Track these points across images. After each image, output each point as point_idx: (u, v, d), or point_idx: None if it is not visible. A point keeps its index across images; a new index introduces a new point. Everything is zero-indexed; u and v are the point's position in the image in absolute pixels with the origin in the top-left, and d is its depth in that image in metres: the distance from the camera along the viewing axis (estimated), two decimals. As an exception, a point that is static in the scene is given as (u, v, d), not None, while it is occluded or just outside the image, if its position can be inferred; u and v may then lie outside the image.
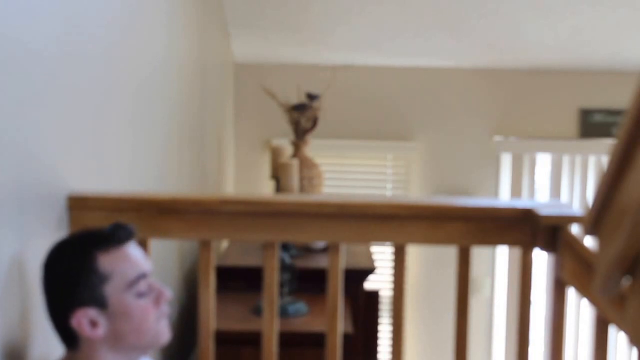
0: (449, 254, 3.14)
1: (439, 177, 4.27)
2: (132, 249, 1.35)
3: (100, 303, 1.29)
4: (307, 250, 3.07)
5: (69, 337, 1.32)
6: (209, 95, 3.37)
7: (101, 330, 1.30)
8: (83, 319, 1.29)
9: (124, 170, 2.03)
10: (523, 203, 1.89)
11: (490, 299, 4.28)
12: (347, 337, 1.98)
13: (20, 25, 1.37)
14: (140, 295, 1.32)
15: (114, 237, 1.33)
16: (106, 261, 1.30)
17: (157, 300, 1.35)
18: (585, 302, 1.69)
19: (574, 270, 1.69)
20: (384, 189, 4.29)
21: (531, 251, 1.79)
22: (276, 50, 4.10)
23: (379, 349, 2.90)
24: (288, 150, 3.17)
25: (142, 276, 1.33)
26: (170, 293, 1.38)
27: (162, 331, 1.37)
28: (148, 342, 1.35)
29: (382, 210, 1.77)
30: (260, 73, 4.10)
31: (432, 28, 3.72)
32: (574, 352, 4.14)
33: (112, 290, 1.30)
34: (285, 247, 2.83)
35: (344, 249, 1.82)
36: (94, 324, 1.29)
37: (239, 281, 2.70)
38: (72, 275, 1.29)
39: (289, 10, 3.62)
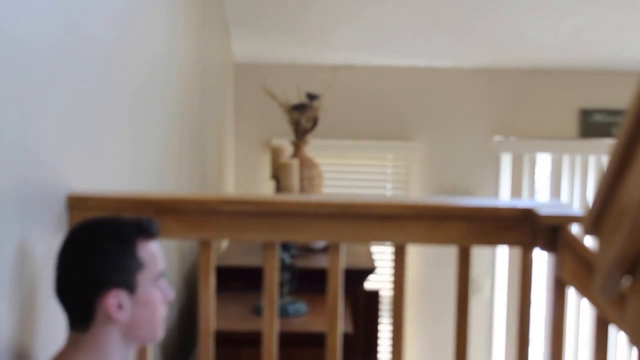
0: (449, 254, 3.14)
1: (439, 177, 4.27)
2: (158, 245, 1.40)
3: (131, 288, 1.33)
4: (307, 250, 3.07)
5: (84, 317, 1.33)
6: (209, 95, 3.37)
7: (125, 314, 1.33)
8: (113, 299, 1.31)
9: (123, 170, 2.03)
10: (523, 203, 1.89)
11: (490, 299, 4.28)
12: (347, 337, 1.98)
13: (20, 26, 1.37)
14: (160, 289, 1.38)
15: (151, 229, 1.37)
16: (143, 250, 1.35)
17: (164, 299, 1.40)
18: (585, 302, 1.69)
19: (574, 270, 1.69)
20: (384, 189, 4.29)
21: (531, 251, 1.79)
22: (276, 50, 4.10)
23: (379, 349, 2.90)
24: (288, 150, 3.17)
25: (163, 271, 1.39)
26: (173, 295, 1.42)
27: (162, 329, 1.41)
28: (152, 335, 1.39)
29: (382, 210, 1.77)
30: (260, 73, 4.10)
31: (432, 28, 3.72)
32: (574, 352, 4.14)
33: (142, 279, 1.34)
34: (285, 247, 2.82)
35: (344, 248, 1.82)
36: (120, 307, 1.32)
37: (239, 281, 2.70)
38: (112, 257, 1.32)
39: (289, 10, 3.62)
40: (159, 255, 1.39)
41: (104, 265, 1.32)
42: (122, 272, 1.32)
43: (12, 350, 1.38)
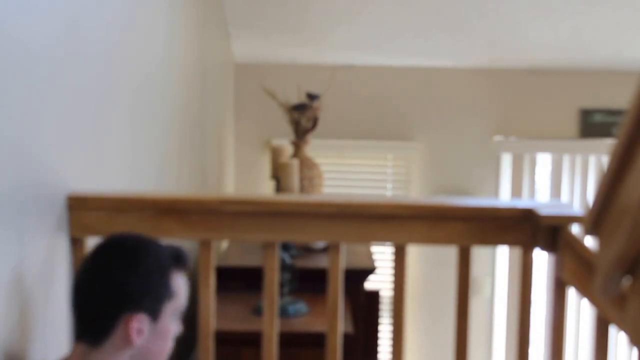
0: (449, 254, 3.14)
1: (439, 177, 4.27)
2: (185, 280, 1.38)
3: (155, 316, 1.30)
4: (307, 250, 3.07)
5: (102, 333, 1.29)
6: (209, 95, 3.37)
7: (140, 340, 1.30)
8: (137, 323, 1.28)
9: (123, 170, 2.03)
10: (523, 203, 1.89)
11: (490, 299, 4.28)
12: (347, 337, 1.98)
13: (21, 26, 1.37)
14: (175, 323, 1.36)
15: (184, 261, 1.35)
16: (175, 281, 1.33)
17: (173, 334, 1.38)
18: (585, 302, 1.69)
19: (574, 270, 1.69)
20: (384, 189, 4.29)
21: (531, 251, 1.79)
22: (276, 50, 4.10)
23: (379, 349, 2.90)
24: (288, 150, 3.17)
25: (184, 304, 1.37)
26: (181, 330, 1.40)
27: None
28: None
29: (382, 210, 1.77)
30: (260, 73, 4.09)
31: (432, 28, 3.72)
32: (574, 352, 4.14)
33: (167, 309, 1.32)
34: (285, 247, 2.82)
35: (344, 249, 1.82)
36: (140, 331, 1.29)
37: (239, 281, 2.70)
38: (149, 281, 1.30)
39: (289, 10, 3.62)
40: (184, 289, 1.37)
41: (140, 287, 1.29)
42: (153, 298, 1.30)
43: (8, 353, 1.38)
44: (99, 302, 1.30)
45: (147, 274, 1.30)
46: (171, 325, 1.34)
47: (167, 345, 1.36)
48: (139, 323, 1.29)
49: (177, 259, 1.34)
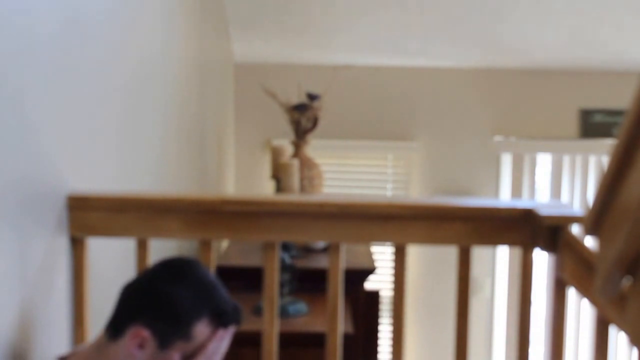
0: (449, 254, 3.14)
1: (439, 177, 4.27)
2: (227, 333, 1.34)
3: (162, 344, 1.29)
4: (307, 250, 3.07)
5: (115, 329, 1.31)
6: (209, 96, 3.37)
7: (140, 355, 1.29)
8: (140, 336, 1.28)
9: (123, 170, 2.03)
10: (523, 203, 1.89)
11: (490, 299, 4.28)
12: (347, 337, 1.98)
13: (20, 25, 1.37)
14: None
15: (228, 318, 1.32)
16: (202, 328, 1.30)
17: None
18: (585, 302, 1.69)
19: (574, 270, 1.69)
20: (384, 189, 4.29)
21: (531, 251, 1.79)
22: (276, 50, 4.10)
23: (379, 349, 2.90)
24: (288, 150, 3.17)
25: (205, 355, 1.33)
26: None
27: None
28: None
29: (382, 210, 1.77)
30: (260, 73, 4.09)
31: (432, 28, 3.72)
32: (574, 353, 4.14)
33: (177, 346, 1.29)
34: (285, 247, 2.82)
35: (344, 249, 1.82)
36: (141, 346, 1.29)
37: (239, 281, 2.69)
38: (172, 310, 1.28)
39: (289, 10, 3.62)
40: (212, 346, 1.31)
41: (160, 309, 1.29)
42: (168, 328, 1.28)
43: (10, 350, 1.38)
44: (126, 300, 1.32)
45: (177, 306, 1.28)
46: None
47: None
48: (144, 339, 1.28)
49: (220, 314, 1.31)
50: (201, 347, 1.31)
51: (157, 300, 1.29)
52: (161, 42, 2.44)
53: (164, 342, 1.28)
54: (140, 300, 1.31)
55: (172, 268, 1.34)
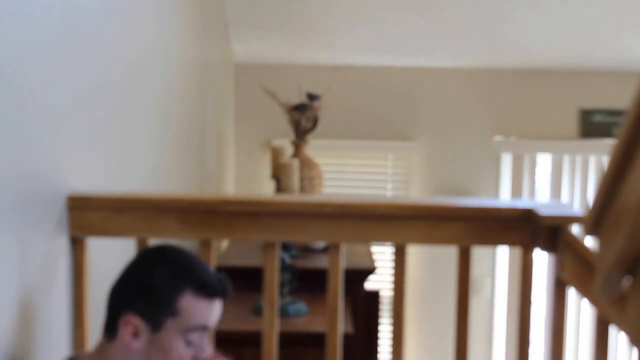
0: (449, 254, 3.14)
1: (439, 177, 4.27)
2: (216, 304, 1.35)
3: (154, 326, 1.30)
4: (307, 250, 3.07)
5: (112, 327, 1.33)
6: (208, 96, 3.37)
7: (137, 344, 1.30)
8: (130, 325, 1.30)
9: (123, 170, 2.03)
10: (523, 203, 1.89)
11: (490, 299, 4.28)
12: (347, 337, 1.98)
13: (20, 25, 1.37)
14: (188, 343, 1.33)
15: (211, 287, 1.33)
16: (187, 301, 1.31)
17: (195, 357, 1.34)
18: (585, 302, 1.69)
19: (574, 270, 1.69)
20: (384, 189, 4.29)
21: (531, 251, 1.79)
22: (276, 50, 4.10)
23: (379, 349, 2.90)
24: (288, 150, 3.17)
25: (201, 328, 1.34)
26: (209, 355, 1.37)
27: None
28: None
29: (382, 210, 1.77)
30: (260, 73, 4.09)
31: (432, 28, 3.72)
32: (574, 352, 4.14)
33: (170, 325, 1.31)
34: (285, 247, 2.82)
35: (344, 249, 1.82)
36: (136, 334, 1.30)
37: (239, 281, 2.69)
38: (152, 290, 1.31)
39: (289, 10, 3.62)
40: (203, 313, 1.33)
41: (141, 291, 1.31)
42: (154, 308, 1.30)
43: (9, 352, 1.38)
44: (111, 300, 1.35)
45: (154, 285, 1.31)
46: (175, 343, 1.31)
47: None
48: (135, 325, 1.30)
49: (198, 284, 1.32)
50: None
51: (138, 286, 1.32)
52: (161, 42, 2.44)
53: (155, 323, 1.30)
54: (123, 293, 1.33)
55: (148, 255, 1.38)
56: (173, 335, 1.31)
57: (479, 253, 3.87)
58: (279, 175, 2.90)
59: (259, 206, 1.77)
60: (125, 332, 1.30)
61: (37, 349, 1.49)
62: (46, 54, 1.48)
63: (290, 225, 1.77)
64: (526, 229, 1.76)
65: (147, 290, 1.31)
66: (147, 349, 1.31)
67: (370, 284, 2.85)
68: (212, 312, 1.35)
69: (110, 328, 1.33)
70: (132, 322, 1.30)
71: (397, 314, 1.83)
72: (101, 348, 1.36)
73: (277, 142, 3.97)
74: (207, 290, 1.33)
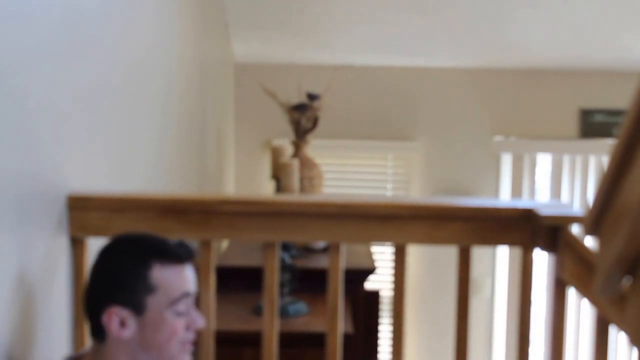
0: (449, 254, 3.15)
1: (439, 177, 4.27)
2: (187, 269, 1.36)
3: (137, 309, 1.30)
4: (307, 250, 3.07)
5: (98, 330, 1.33)
6: (208, 95, 3.37)
7: (128, 332, 1.30)
8: (114, 317, 1.30)
9: (123, 170, 2.03)
10: (523, 203, 1.89)
11: (490, 299, 4.28)
12: (347, 337, 1.98)
13: (21, 25, 1.37)
14: (178, 314, 1.33)
15: (175, 253, 1.34)
16: (159, 273, 1.31)
17: (189, 325, 1.36)
18: (585, 302, 1.69)
19: (574, 270, 1.69)
20: (384, 189, 4.29)
21: (531, 251, 1.79)
22: (276, 50, 4.10)
23: (379, 349, 2.90)
24: (288, 150, 3.17)
25: (185, 295, 1.34)
26: (203, 323, 1.38)
27: (180, 354, 1.35)
28: (165, 359, 1.34)
29: (382, 210, 1.77)
30: (260, 73, 4.09)
31: (432, 28, 3.72)
32: (574, 352, 4.14)
33: (153, 302, 1.31)
34: (285, 247, 2.82)
35: (344, 249, 1.82)
36: (122, 324, 1.30)
37: (239, 281, 2.70)
38: (121, 275, 1.31)
39: (289, 10, 3.62)
40: (182, 279, 1.34)
41: (111, 282, 1.31)
42: (129, 292, 1.30)
43: (9, 353, 1.38)
44: (86, 303, 1.35)
45: (119, 270, 1.31)
46: (167, 317, 1.31)
47: (171, 337, 1.32)
48: (116, 317, 1.30)
49: (161, 251, 1.32)
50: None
51: (106, 280, 1.32)
52: (161, 42, 2.44)
53: (136, 306, 1.30)
54: (96, 293, 1.33)
55: (104, 251, 1.36)
56: (159, 311, 1.31)
57: (479, 253, 3.87)
58: (279, 175, 2.90)
59: (259, 206, 1.77)
60: (111, 325, 1.30)
61: (37, 349, 1.49)
62: (46, 54, 1.48)
63: (290, 225, 1.77)
64: (526, 229, 1.76)
65: (116, 279, 1.31)
66: (139, 333, 1.31)
67: (370, 284, 2.85)
68: (186, 277, 1.35)
69: (97, 331, 1.33)
70: (114, 313, 1.29)
71: (397, 314, 1.83)
72: (95, 352, 1.35)
73: (277, 142, 3.98)
74: (172, 256, 1.33)
